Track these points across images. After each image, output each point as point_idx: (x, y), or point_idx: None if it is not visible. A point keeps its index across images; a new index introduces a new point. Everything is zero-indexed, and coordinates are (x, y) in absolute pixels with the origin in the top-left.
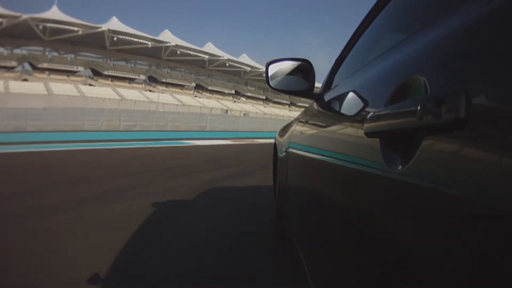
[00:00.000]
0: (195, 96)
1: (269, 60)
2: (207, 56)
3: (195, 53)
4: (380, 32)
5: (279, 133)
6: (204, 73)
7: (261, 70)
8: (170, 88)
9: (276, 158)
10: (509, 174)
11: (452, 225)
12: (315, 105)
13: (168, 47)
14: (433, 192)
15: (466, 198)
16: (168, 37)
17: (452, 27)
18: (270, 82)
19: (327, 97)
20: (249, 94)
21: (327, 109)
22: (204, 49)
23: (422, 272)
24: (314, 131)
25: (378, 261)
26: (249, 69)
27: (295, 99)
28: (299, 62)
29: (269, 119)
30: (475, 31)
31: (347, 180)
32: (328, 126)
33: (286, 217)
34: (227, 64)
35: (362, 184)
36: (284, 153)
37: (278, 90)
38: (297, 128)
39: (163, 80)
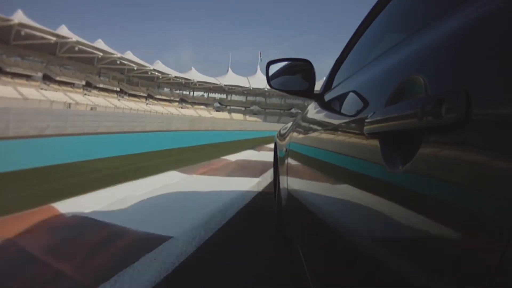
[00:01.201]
0: (41, 89)
1: (270, 60)
2: (54, 38)
3: (42, 35)
4: (380, 32)
5: (279, 133)
6: (56, 62)
7: (115, 56)
8: (15, 80)
9: (276, 159)
10: (510, 174)
11: (452, 226)
12: (315, 105)
13: (12, 26)
14: (433, 192)
15: (466, 198)
16: (19, 17)
17: (452, 27)
18: (271, 82)
19: (327, 97)
20: (101, 85)
21: (327, 109)
22: (57, 32)
23: (422, 273)
24: (314, 131)
25: (378, 262)
26: (102, 54)
27: (154, 91)
28: (299, 62)
29: (89, 111)
30: (475, 31)
31: (347, 180)
32: (328, 126)
33: (286, 217)
34: (77, 49)
35: (362, 184)
36: (284, 153)
37: (278, 90)
38: (297, 128)
39: (8, 70)
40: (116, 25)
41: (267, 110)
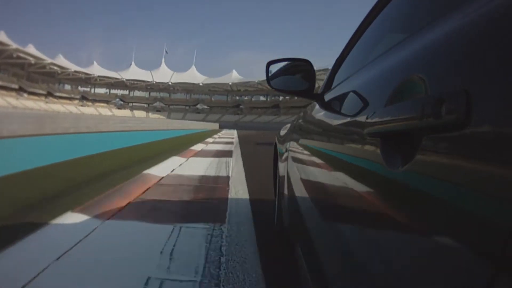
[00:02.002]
0: None
1: (270, 60)
2: None
3: None
4: (380, 32)
5: (279, 133)
6: None
7: (10, 48)
8: None
9: (276, 158)
10: (509, 174)
11: (452, 225)
12: (315, 105)
13: None
14: (433, 192)
15: (466, 198)
16: None
17: (452, 27)
18: (270, 82)
19: (327, 97)
20: (0, 83)
21: (327, 109)
22: None
23: (422, 272)
24: (314, 131)
25: (378, 261)
26: None
27: (53, 88)
28: (299, 62)
29: None
30: (475, 31)
31: (347, 180)
32: (328, 126)
33: (286, 218)
34: None
35: (362, 184)
36: (284, 153)
37: (278, 90)
38: (297, 128)
39: None
40: (20, 17)
41: (171, 107)
